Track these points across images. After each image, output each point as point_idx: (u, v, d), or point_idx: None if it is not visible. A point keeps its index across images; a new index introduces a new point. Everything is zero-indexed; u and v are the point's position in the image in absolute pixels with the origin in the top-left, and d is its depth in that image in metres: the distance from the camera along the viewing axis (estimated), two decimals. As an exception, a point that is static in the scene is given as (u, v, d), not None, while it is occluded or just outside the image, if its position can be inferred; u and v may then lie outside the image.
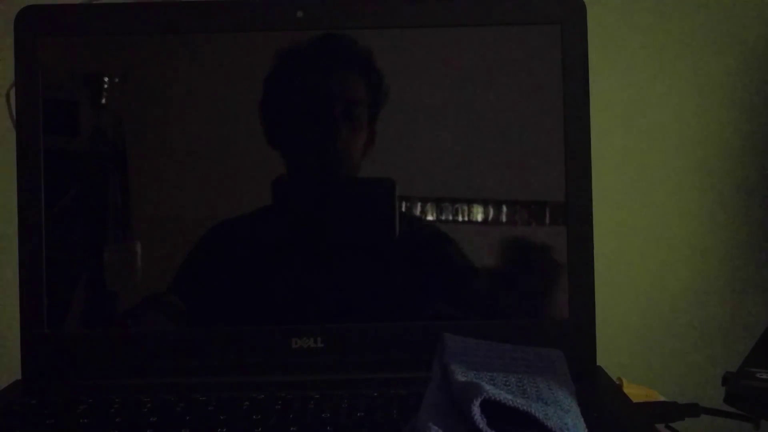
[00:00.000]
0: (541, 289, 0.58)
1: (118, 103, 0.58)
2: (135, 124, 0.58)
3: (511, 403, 0.37)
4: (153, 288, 0.58)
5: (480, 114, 0.58)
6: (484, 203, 0.58)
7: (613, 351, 0.60)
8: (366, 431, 0.45)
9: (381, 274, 0.58)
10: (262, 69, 0.57)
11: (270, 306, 0.57)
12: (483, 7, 0.57)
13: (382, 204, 0.57)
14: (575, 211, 0.57)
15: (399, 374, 0.54)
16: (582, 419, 0.39)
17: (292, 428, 0.45)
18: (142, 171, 0.58)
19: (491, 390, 0.37)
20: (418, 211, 0.58)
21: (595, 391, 0.52)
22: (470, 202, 0.58)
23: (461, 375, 0.42)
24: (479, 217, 0.58)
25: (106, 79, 0.58)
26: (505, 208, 0.58)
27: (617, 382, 0.58)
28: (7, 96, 0.69)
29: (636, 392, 0.58)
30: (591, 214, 0.57)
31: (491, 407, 0.37)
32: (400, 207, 0.57)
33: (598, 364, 0.57)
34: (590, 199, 0.57)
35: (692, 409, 0.59)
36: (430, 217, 0.57)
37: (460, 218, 0.57)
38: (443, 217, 0.57)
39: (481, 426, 0.36)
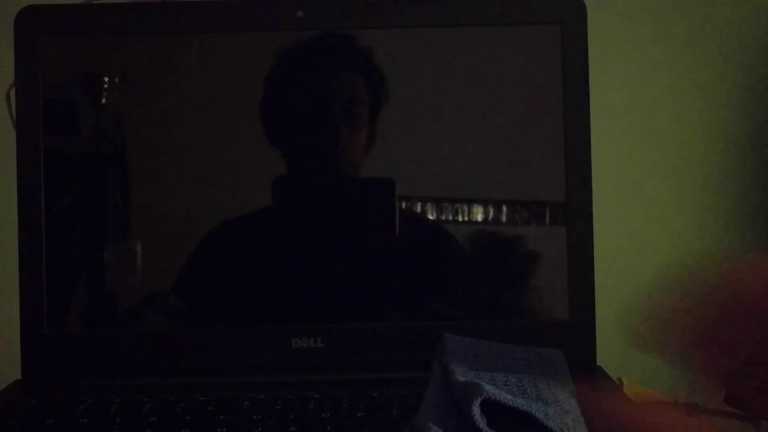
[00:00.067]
0: (541, 289, 0.58)
1: (118, 103, 0.58)
2: (135, 124, 0.58)
3: (511, 403, 0.37)
4: (153, 288, 0.58)
5: (480, 114, 0.58)
6: (484, 203, 0.58)
7: (613, 351, 0.60)
8: (366, 431, 0.45)
9: (381, 274, 0.58)
10: (262, 69, 0.57)
11: (270, 306, 0.57)
12: (483, 7, 0.57)
13: (382, 204, 0.57)
14: (575, 211, 0.57)
15: (399, 374, 0.54)
16: (582, 419, 0.39)
17: (292, 428, 0.45)
18: (142, 171, 0.58)
19: (491, 390, 0.37)
20: (418, 211, 0.58)
21: (595, 391, 0.52)
22: (470, 202, 0.58)
23: (461, 375, 0.42)
24: (479, 217, 0.58)
25: (106, 79, 0.58)
26: (505, 208, 0.58)
27: (617, 382, 0.58)
28: (7, 96, 0.69)
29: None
30: (591, 214, 0.57)
31: (491, 407, 0.37)
32: (400, 207, 0.57)
33: (598, 364, 0.57)
34: (590, 199, 0.57)
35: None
36: (430, 217, 0.57)
37: (460, 218, 0.57)
38: (443, 217, 0.57)
39: (481, 426, 0.36)
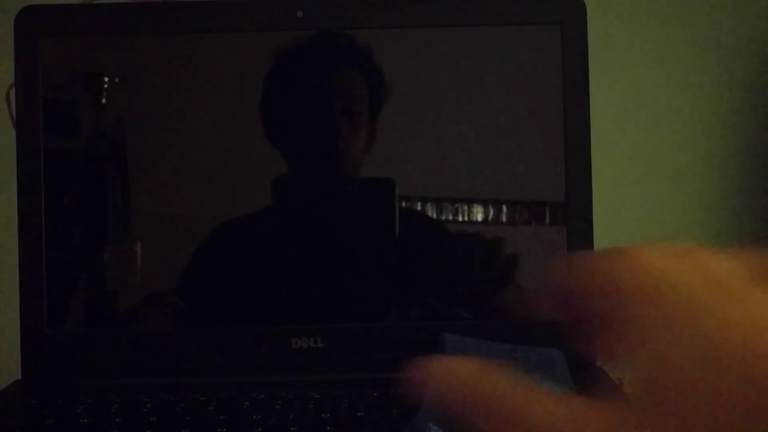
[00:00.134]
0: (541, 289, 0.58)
1: (118, 103, 0.58)
2: (135, 124, 0.58)
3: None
4: (153, 288, 0.58)
5: (480, 114, 0.58)
6: (484, 203, 0.58)
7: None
8: (366, 431, 0.45)
9: (381, 274, 0.58)
10: (262, 69, 0.57)
11: (270, 306, 0.57)
12: (483, 7, 0.57)
13: (382, 204, 0.57)
14: (575, 211, 0.57)
15: (399, 374, 0.54)
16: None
17: (292, 428, 0.45)
18: (142, 171, 0.58)
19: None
20: (418, 211, 0.58)
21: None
22: (470, 202, 0.58)
23: (461, 375, 0.42)
24: (479, 217, 0.58)
25: (106, 79, 0.58)
26: (505, 208, 0.58)
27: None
28: (7, 96, 0.69)
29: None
30: (591, 214, 0.57)
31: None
32: (400, 207, 0.57)
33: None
34: (590, 199, 0.57)
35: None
36: (429, 217, 0.57)
37: (460, 218, 0.57)
38: (443, 217, 0.57)
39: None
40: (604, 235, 0.62)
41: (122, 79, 0.58)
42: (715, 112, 0.80)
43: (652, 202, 0.80)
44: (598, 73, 0.62)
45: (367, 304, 0.57)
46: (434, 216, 0.57)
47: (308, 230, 0.58)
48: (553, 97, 0.57)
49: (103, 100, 0.58)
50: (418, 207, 0.58)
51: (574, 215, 0.57)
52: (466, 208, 0.57)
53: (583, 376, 0.51)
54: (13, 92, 0.58)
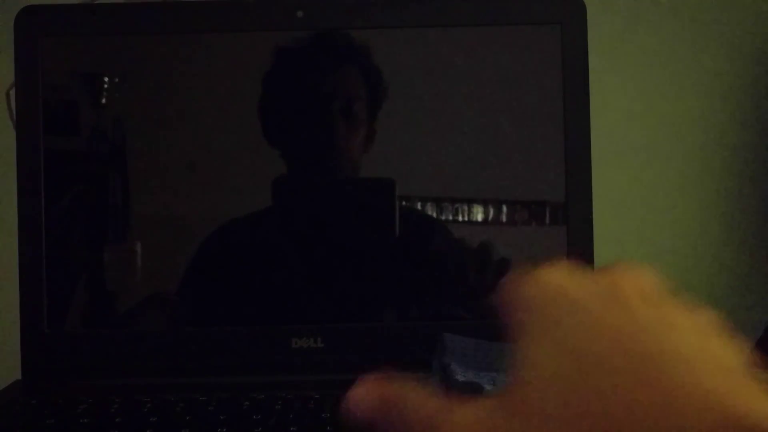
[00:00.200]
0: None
1: (118, 103, 0.58)
2: (135, 124, 0.58)
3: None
4: (153, 288, 0.58)
5: (480, 114, 0.58)
6: (484, 203, 0.58)
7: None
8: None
9: (381, 274, 0.58)
10: (263, 69, 0.57)
11: (270, 306, 0.57)
12: (483, 7, 0.57)
13: (382, 204, 0.57)
14: (575, 211, 0.57)
15: (399, 374, 0.54)
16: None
17: (292, 428, 0.45)
18: (142, 171, 0.58)
19: (491, 390, 0.37)
20: (417, 211, 0.58)
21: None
22: (470, 202, 0.58)
23: (461, 375, 0.42)
24: (479, 217, 0.58)
25: (106, 79, 0.58)
26: (505, 208, 0.58)
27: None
28: (7, 96, 0.69)
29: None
30: (591, 214, 0.57)
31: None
32: (400, 207, 0.57)
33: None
34: (590, 199, 0.57)
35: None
36: (429, 217, 0.57)
37: (460, 218, 0.57)
38: (443, 217, 0.57)
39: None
40: (604, 235, 0.62)
41: (122, 79, 0.58)
42: (715, 112, 0.80)
43: (653, 202, 0.80)
44: (598, 74, 0.62)
45: (367, 304, 0.57)
46: (434, 216, 0.57)
47: (308, 230, 0.58)
48: (553, 97, 0.57)
49: (103, 100, 0.58)
50: (418, 207, 0.58)
51: (574, 215, 0.57)
52: (466, 208, 0.57)
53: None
54: (13, 92, 0.58)
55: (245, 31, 0.57)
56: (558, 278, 0.23)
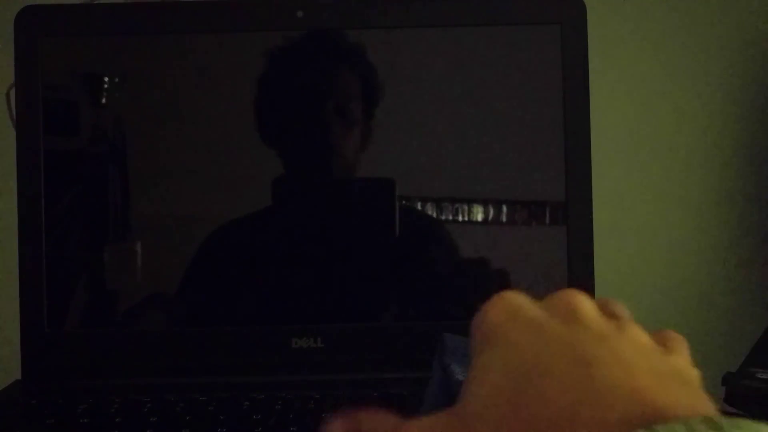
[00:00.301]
0: (541, 288, 0.58)
1: (118, 103, 0.58)
2: (135, 124, 0.58)
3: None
4: (153, 288, 0.58)
5: (480, 114, 0.58)
6: (484, 203, 0.58)
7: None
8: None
9: (381, 274, 0.58)
10: (263, 69, 0.57)
11: (270, 306, 0.57)
12: (482, 7, 0.57)
13: (382, 204, 0.57)
14: (575, 211, 0.57)
15: (399, 374, 0.54)
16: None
17: (292, 428, 0.45)
18: (142, 171, 0.58)
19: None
20: (417, 211, 0.58)
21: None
22: (470, 202, 0.58)
23: (461, 375, 0.42)
24: (479, 217, 0.58)
25: (106, 79, 0.58)
26: (505, 208, 0.58)
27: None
28: (7, 96, 0.69)
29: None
30: (591, 214, 0.57)
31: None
32: (400, 207, 0.57)
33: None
34: (590, 199, 0.57)
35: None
36: (429, 217, 0.57)
37: (460, 218, 0.57)
38: (443, 217, 0.57)
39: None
40: (604, 235, 0.62)
41: (122, 79, 0.58)
42: (716, 112, 0.80)
43: (653, 202, 0.80)
44: (598, 73, 0.62)
45: (367, 305, 0.57)
46: (434, 216, 0.57)
47: (308, 230, 0.58)
48: (553, 97, 0.57)
49: (103, 100, 0.58)
50: (418, 207, 0.58)
51: (574, 215, 0.57)
52: (466, 208, 0.57)
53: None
54: (13, 92, 0.58)
55: (245, 32, 0.57)
56: (518, 300, 0.25)
